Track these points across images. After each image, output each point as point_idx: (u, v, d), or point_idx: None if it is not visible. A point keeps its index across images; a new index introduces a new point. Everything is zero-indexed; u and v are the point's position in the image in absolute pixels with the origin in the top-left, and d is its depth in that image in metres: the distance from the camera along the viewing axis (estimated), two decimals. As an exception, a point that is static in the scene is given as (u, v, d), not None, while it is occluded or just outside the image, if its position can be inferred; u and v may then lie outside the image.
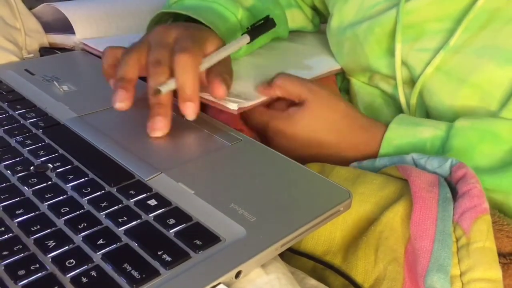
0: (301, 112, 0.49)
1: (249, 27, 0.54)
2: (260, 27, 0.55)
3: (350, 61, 0.61)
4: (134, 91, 0.45)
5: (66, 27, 0.65)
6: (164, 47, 0.46)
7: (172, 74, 0.44)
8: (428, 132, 0.48)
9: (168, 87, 0.44)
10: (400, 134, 0.48)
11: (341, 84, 0.67)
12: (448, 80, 0.51)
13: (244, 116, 0.51)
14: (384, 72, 0.57)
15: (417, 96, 0.54)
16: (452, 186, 0.39)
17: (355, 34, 0.58)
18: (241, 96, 0.51)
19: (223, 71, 0.48)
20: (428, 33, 0.52)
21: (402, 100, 0.56)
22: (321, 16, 0.74)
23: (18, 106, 0.48)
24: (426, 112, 0.55)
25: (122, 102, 0.43)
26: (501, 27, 0.47)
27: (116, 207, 0.35)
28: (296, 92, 0.50)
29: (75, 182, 0.37)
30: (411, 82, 0.55)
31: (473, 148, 0.45)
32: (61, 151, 0.41)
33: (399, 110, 0.60)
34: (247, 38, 0.53)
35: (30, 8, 0.66)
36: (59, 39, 0.66)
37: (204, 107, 0.50)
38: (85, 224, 0.33)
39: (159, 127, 0.43)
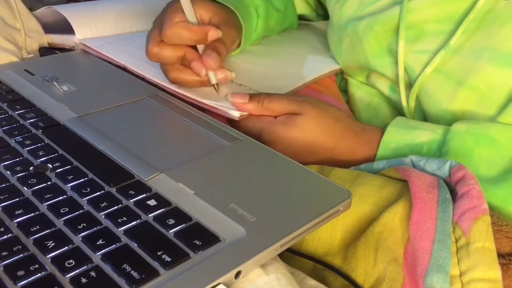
0: (297, 119, 0.48)
1: None
2: None
3: (349, 59, 0.61)
4: None
5: (65, 29, 0.65)
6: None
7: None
8: (426, 136, 0.47)
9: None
10: (397, 138, 0.48)
11: (339, 83, 0.67)
12: (447, 81, 0.51)
13: (237, 124, 0.50)
14: (381, 71, 0.57)
15: (415, 98, 0.54)
16: (451, 188, 0.39)
17: (355, 31, 0.58)
18: None
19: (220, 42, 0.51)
20: (427, 35, 0.52)
21: (403, 98, 0.56)
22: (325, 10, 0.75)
23: (17, 107, 0.48)
24: (424, 115, 0.55)
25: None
26: (498, 28, 0.47)
27: (116, 207, 0.35)
28: (282, 109, 0.49)
29: (75, 182, 0.37)
30: (409, 84, 0.55)
31: (470, 152, 0.45)
32: (60, 151, 0.41)
33: (396, 109, 0.60)
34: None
35: (30, 9, 0.66)
36: (58, 39, 0.66)
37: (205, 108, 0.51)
38: (85, 225, 0.33)
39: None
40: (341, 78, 0.67)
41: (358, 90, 0.62)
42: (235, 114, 0.49)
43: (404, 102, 0.56)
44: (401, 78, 0.55)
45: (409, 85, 0.55)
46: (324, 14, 0.77)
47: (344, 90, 0.66)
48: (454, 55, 0.50)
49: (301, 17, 0.77)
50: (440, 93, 0.51)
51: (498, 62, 0.47)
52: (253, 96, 0.49)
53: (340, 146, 0.49)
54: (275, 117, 0.49)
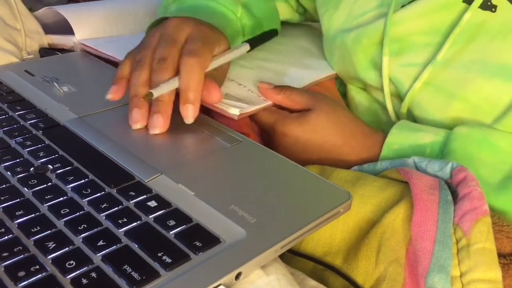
0: (310, 114, 0.50)
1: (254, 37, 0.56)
2: (262, 36, 0.58)
3: (341, 69, 0.62)
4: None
5: (66, 30, 0.65)
6: (174, 44, 0.46)
7: (176, 72, 0.45)
8: (428, 137, 0.48)
9: (161, 90, 0.44)
10: (400, 139, 0.48)
11: (339, 88, 0.67)
12: (438, 94, 0.50)
13: (251, 117, 0.52)
14: (371, 84, 0.57)
15: (407, 110, 0.54)
16: (453, 189, 0.39)
17: (344, 43, 0.57)
18: (243, 100, 0.51)
19: (217, 75, 0.49)
20: (414, 47, 0.51)
21: (391, 113, 0.56)
22: (306, 12, 0.73)
23: (18, 107, 0.48)
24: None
25: (138, 122, 0.45)
26: (488, 41, 0.47)
27: (116, 208, 0.35)
28: (303, 101, 0.51)
29: (75, 183, 0.37)
30: (399, 96, 0.55)
31: (471, 156, 0.45)
32: (61, 152, 0.41)
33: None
34: (247, 46, 0.54)
35: (30, 9, 0.66)
36: (58, 39, 0.66)
37: (205, 108, 0.51)
38: (85, 226, 0.33)
39: (158, 124, 0.44)
40: (340, 82, 0.67)
41: (357, 95, 0.62)
42: (235, 112, 0.49)
43: (392, 116, 0.56)
44: (387, 94, 0.55)
45: (400, 96, 0.55)
46: (304, 12, 0.75)
47: (344, 94, 0.66)
48: (443, 68, 0.49)
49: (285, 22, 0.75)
50: (432, 106, 0.51)
51: (489, 74, 0.47)
52: (278, 87, 0.52)
53: (348, 144, 0.50)
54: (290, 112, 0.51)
